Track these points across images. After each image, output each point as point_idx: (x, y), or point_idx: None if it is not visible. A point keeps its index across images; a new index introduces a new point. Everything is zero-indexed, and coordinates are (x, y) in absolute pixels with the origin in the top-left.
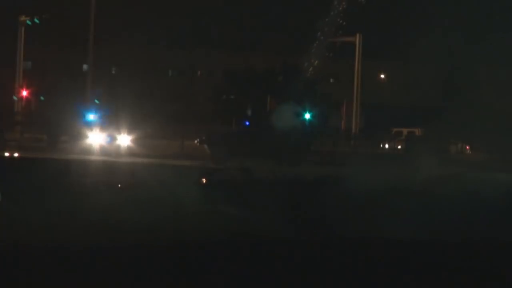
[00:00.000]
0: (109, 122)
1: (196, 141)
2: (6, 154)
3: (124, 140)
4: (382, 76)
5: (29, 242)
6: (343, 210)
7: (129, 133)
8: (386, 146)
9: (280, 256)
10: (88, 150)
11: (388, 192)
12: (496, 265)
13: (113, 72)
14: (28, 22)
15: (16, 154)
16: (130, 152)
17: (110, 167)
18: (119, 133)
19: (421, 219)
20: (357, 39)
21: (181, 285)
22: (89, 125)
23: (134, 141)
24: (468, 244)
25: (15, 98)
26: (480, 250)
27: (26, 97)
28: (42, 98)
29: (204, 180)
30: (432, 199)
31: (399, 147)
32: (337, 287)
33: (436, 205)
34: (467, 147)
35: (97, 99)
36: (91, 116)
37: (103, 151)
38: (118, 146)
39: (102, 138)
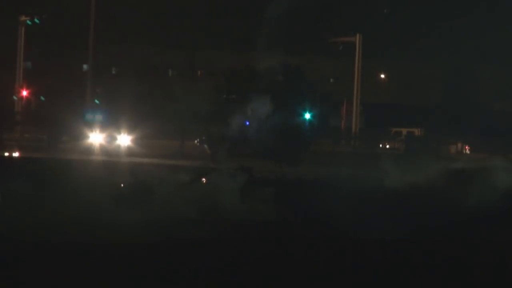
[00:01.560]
0: (110, 122)
1: (196, 141)
2: (6, 154)
3: (124, 140)
4: (382, 76)
5: (28, 240)
6: (329, 211)
7: (129, 133)
8: (387, 146)
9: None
10: (88, 150)
11: (375, 193)
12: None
13: (113, 72)
14: (28, 22)
15: (16, 154)
16: (130, 152)
17: (110, 167)
18: (119, 133)
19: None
20: (357, 39)
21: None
22: (91, 125)
23: (134, 141)
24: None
25: (15, 98)
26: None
27: (26, 97)
28: (42, 98)
29: (203, 180)
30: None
31: (387, 146)
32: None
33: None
34: (466, 147)
35: (97, 99)
36: (96, 117)
37: (103, 151)
38: (118, 146)
39: (103, 138)
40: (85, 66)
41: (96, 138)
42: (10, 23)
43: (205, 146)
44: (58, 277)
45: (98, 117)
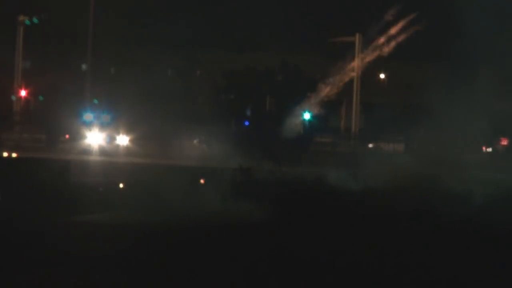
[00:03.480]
0: (110, 122)
1: (195, 141)
2: (5, 154)
3: (123, 140)
4: (382, 76)
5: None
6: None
7: (128, 133)
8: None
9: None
10: (86, 150)
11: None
12: None
13: (113, 72)
14: (27, 21)
15: (14, 155)
16: (128, 152)
17: (109, 167)
18: (118, 133)
19: None
20: (357, 39)
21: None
22: (88, 125)
23: (133, 141)
24: None
25: (13, 98)
26: None
27: (25, 97)
28: (41, 98)
29: (202, 180)
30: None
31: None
32: None
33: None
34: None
35: (96, 99)
36: (90, 117)
37: (102, 151)
38: (117, 146)
39: (101, 138)
40: (84, 66)
41: (95, 138)
42: (9, 22)
43: (205, 146)
44: None
45: (105, 117)
